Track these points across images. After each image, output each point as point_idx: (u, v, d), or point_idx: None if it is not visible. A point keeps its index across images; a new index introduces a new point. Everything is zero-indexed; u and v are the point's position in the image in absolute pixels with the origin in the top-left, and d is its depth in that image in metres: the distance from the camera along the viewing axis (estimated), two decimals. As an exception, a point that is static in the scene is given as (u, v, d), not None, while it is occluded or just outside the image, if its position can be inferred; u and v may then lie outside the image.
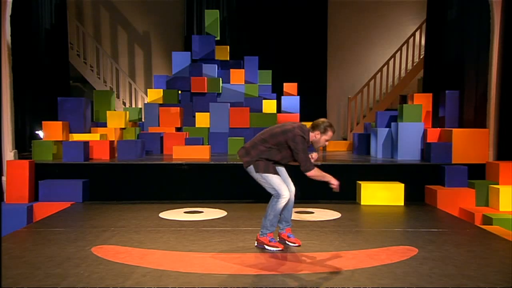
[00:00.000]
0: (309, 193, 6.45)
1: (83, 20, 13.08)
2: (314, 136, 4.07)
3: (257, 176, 4.10)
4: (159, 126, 9.22)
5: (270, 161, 4.07)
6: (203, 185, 6.57)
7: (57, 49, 10.10)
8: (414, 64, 12.43)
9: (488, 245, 4.23)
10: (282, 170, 4.20)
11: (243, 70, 9.85)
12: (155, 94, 9.57)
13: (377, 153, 7.75)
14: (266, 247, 4.08)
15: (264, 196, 6.43)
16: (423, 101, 8.07)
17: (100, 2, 13.23)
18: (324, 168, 6.66)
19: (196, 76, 9.55)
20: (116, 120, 8.68)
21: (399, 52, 12.46)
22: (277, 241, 4.13)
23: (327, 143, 4.13)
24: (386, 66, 12.47)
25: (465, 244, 4.27)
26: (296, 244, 4.14)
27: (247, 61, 9.93)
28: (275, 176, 4.06)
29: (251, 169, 4.11)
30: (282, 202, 4.05)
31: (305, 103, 10.25)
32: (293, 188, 4.19)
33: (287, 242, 4.17)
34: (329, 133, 4.07)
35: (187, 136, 8.79)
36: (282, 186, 4.06)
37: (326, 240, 4.38)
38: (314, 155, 4.11)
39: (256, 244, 4.16)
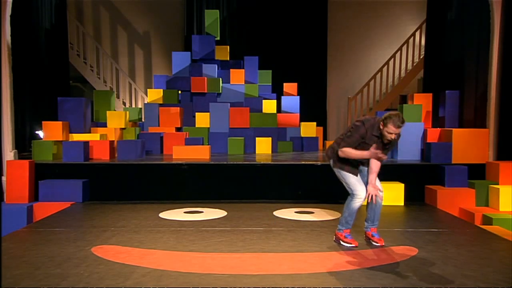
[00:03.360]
0: (309, 193, 6.49)
1: (83, 20, 13.08)
2: (381, 127, 3.90)
3: (335, 171, 4.18)
4: (159, 126, 9.23)
5: (348, 160, 4.08)
6: (203, 185, 6.57)
7: (57, 49, 10.10)
8: (414, 64, 12.43)
9: (488, 245, 4.23)
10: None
11: (243, 70, 9.85)
12: (155, 94, 9.58)
13: (377, 153, 7.75)
14: (341, 242, 4.22)
15: (264, 195, 6.47)
16: (423, 101, 8.07)
17: (100, 2, 13.23)
18: (324, 168, 6.71)
19: (196, 76, 9.56)
20: (116, 120, 8.68)
21: (399, 52, 12.46)
22: (353, 238, 4.21)
23: (393, 136, 3.84)
24: (386, 66, 12.48)
25: (465, 244, 4.27)
26: (379, 244, 4.19)
27: (247, 61, 9.93)
28: (351, 175, 4.09)
29: (331, 163, 4.21)
30: (356, 202, 4.09)
31: (305, 103, 10.26)
32: (381, 190, 4.15)
33: (371, 241, 4.25)
34: (389, 126, 3.80)
35: (187, 136, 8.79)
36: (358, 186, 4.08)
37: (326, 240, 4.38)
38: (373, 147, 3.94)
39: (334, 239, 4.32)
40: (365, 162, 4.15)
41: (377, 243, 4.20)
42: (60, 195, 6.17)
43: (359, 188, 4.08)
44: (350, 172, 4.10)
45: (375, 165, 4.08)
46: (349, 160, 4.09)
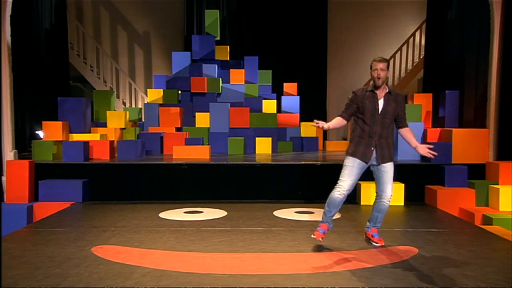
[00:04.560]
0: (309, 193, 6.49)
1: (83, 20, 13.08)
2: (372, 76, 4.05)
3: None
4: (159, 126, 9.23)
5: (359, 141, 4.06)
6: (203, 185, 6.57)
7: (57, 49, 10.11)
8: (414, 64, 12.43)
9: (488, 245, 4.23)
10: (384, 171, 4.13)
11: (243, 70, 9.85)
12: (155, 94, 9.58)
13: (377, 153, 7.75)
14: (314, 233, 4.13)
15: (264, 195, 6.47)
16: (423, 101, 8.07)
17: (100, 2, 13.24)
18: (324, 168, 6.71)
19: (196, 76, 9.56)
20: (116, 120, 8.68)
21: (399, 52, 12.46)
22: (324, 232, 4.09)
23: (381, 72, 3.95)
24: (386, 66, 12.45)
25: (465, 244, 4.27)
26: (379, 244, 4.16)
27: (247, 61, 9.93)
28: (348, 166, 4.06)
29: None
30: (335, 192, 4.03)
31: (305, 103, 10.26)
32: (389, 193, 4.11)
33: (371, 241, 4.23)
34: (373, 65, 4.00)
35: (187, 136, 8.79)
36: (345, 177, 4.04)
37: (326, 240, 4.37)
38: None
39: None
40: (385, 155, 4.06)
41: (377, 243, 4.19)
42: (60, 195, 6.17)
43: (344, 179, 4.02)
44: (349, 164, 4.04)
45: (408, 136, 4.16)
46: (360, 141, 4.05)
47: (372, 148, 4.04)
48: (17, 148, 7.02)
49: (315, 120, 4.00)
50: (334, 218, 4.21)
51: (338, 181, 4.06)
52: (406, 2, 13.14)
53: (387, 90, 4.04)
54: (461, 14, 8.61)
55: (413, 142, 4.15)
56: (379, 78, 3.97)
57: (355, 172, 4.05)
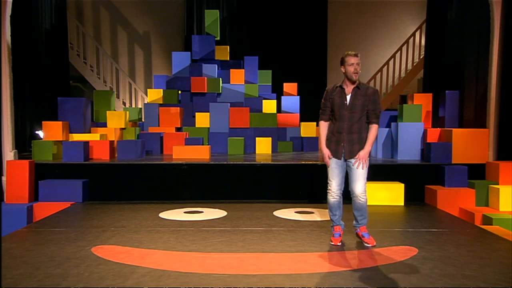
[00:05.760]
0: (309, 193, 6.49)
1: (83, 20, 13.09)
2: (343, 71, 4.05)
3: None
4: (159, 126, 9.23)
5: (331, 138, 4.13)
6: (203, 185, 6.57)
7: (57, 49, 10.11)
8: (414, 64, 12.44)
9: (488, 245, 4.23)
10: (353, 168, 4.08)
11: (243, 70, 9.85)
12: (155, 94, 9.58)
13: (377, 153, 7.75)
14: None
15: (264, 195, 6.47)
16: (423, 101, 8.07)
17: (100, 2, 13.25)
18: (324, 168, 6.69)
19: (196, 76, 9.56)
20: (116, 120, 8.68)
21: (399, 52, 12.46)
22: (339, 235, 4.23)
23: (357, 67, 3.96)
24: (386, 66, 12.48)
25: (465, 244, 4.27)
26: (369, 245, 4.16)
27: (247, 61, 9.93)
28: (329, 168, 4.15)
29: None
30: (329, 197, 4.17)
31: (305, 103, 10.26)
32: (359, 189, 4.07)
33: (363, 241, 4.25)
34: (348, 60, 3.98)
35: (187, 136, 8.79)
36: (330, 178, 4.15)
37: (326, 240, 4.38)
38: None
39: None
40: (354, 150, 4.04)
41: (367, 243, 4.17)
42: (60, 195, 6.17)
43: (330, 182, 4.15)
44: (330, 166, 4.13)
45: (371, 135, 4.07)
46: (331, 137, 4.13)
47: (342, 144, 4.08)
48: (17, 148, 7.02)
49: (326, 160, 4.13)
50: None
51: (328, 185, 4.17)
52: (406, 2, 13.15)
53: (355, 85, 4.05)
54: (461, 14, 8.62)
55: (366, 145, 4.07)
56: (356, 73, 3.98)
57: (336, 172, 4.13)
